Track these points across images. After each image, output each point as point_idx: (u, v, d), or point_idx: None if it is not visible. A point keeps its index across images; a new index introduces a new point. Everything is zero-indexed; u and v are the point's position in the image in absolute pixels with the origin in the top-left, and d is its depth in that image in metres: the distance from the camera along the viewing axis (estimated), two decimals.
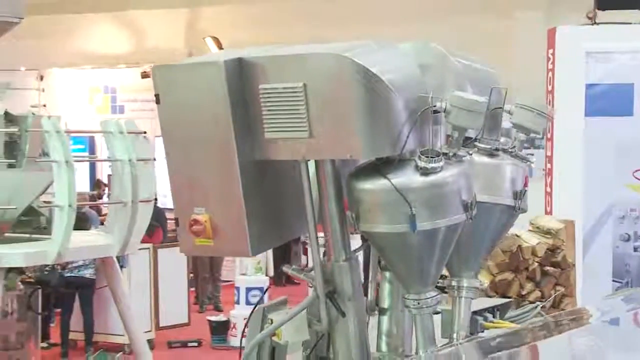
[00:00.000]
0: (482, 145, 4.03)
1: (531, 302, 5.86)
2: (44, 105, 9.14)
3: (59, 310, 12.21)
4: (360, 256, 4.21)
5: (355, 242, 4.15)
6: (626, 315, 4.54)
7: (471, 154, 3.88)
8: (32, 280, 10.62)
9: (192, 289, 14.31)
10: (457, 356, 3.81)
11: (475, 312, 4.56)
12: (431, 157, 3.66)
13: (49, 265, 11.26)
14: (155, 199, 9.47)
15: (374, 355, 4.13)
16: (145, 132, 8.86)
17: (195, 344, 12.46)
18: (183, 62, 4.00)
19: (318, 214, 3.90)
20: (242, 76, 3.75)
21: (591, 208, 7.95)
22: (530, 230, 6.60)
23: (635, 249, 8.31)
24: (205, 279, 14.48)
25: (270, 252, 13.17)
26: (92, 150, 16.92)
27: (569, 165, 7.91)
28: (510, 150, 4.09)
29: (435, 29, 13.99)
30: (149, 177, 8.56)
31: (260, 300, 4.25)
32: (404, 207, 3.63)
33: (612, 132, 8.14)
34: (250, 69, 3.75)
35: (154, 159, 8.68)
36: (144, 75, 15.54)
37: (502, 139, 4.20)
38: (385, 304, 4.19)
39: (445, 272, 4.10)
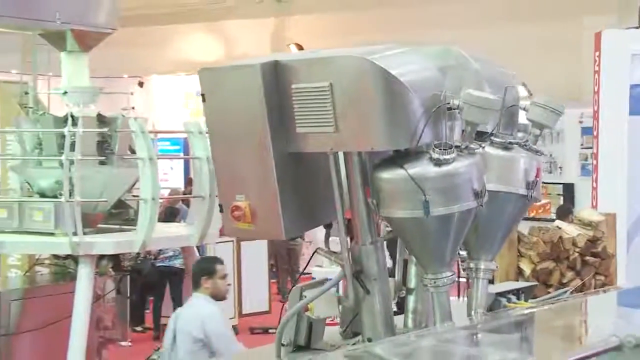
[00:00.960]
0: (497, 140, 4.22)
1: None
2: (133, 108, 9.55)
3: (152, 298, 12.70)
4: None
5: None
6: None
7: (484, 147, 4.07)
8: (127, 268, 11.09)
9: (274, 280, 14.68)
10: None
11: (499, 294, 4.75)
12: (444, 150, 3.87)
13: (142, 255, 11.78)
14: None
15: (401, 330, 4.34)
16: None
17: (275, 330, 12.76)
18: (225, 65, 4.27)
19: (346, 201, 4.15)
20: (276, 77, 4.02)
21: (634, 202, 7.98)
22: (572, 223, 6.73)
23: None
24: (285, 270, 14.86)
25: None
26: (186, 150, 17.45)
27: (613, 162, 7.96)
28: (523, 144, 4.26)
29: (506, 34, 14.04)
30: None
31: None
32: (419, 195, 3.85)
33: None
34: (284, 71, 4.03)
35: None
36: None
37: (520, 134, 4.38)
38: (412, 284, 4.40)
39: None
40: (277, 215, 4.07)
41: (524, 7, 14.82)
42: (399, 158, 3.95)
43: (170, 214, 12.25)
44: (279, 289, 14.95)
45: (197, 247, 9.84)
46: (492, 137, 4.22)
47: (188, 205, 14.13)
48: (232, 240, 12.66)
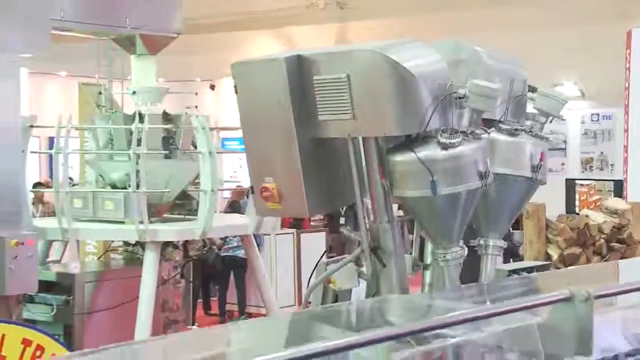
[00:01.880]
0: (505, 126, 4.39)
1: None
2: (196, 107, 9.89)
3: (218, 286, 13.06)
4: None
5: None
6: None
7: (489, 133, 4.24)
8: (193, 257, 11.44)
9: None
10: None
11: (513, 271, 4.91)
12: (451, 134, 4.07)
13: (207, 246, 12.14)
14: None
15: None
16: None
17: None
18: (254, 59, 4.52)
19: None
20: (300, 70, 4.26)
21: None
22: (599, 211, 6.81)
23: None
24: None
25: None
26: None
27: None
28: (529, 130, 4.42)
29: (567, 36, 13.95)
30: None
31: None
32: (427, 176, 4.05)
33: None
34: (306, 64, 4.26)
35: None
36: None
37: (528, 122, 4.55)
38: (428, 260, 4.59)
39: None
40: (302, 195, 4.31)
41: (591, 9, 14.67)
42: (410, 143, 4.16)
43: (233, 207, 12.62)
44: None
45: (256, 239, 10.16)
46: (500, 124, 4.40)
47: None
48: (292, 233, 12.95)
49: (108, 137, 9.19)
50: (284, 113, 4.26)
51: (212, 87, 18.77)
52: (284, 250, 12.64)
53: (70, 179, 10.35)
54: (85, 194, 9.11)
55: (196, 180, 9.23)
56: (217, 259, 12.29)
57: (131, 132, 8.62)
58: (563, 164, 15.87)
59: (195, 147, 8.93)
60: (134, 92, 9.20)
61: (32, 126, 8.89)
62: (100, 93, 9.48)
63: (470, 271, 4.44)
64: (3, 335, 7.12)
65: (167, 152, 8.91)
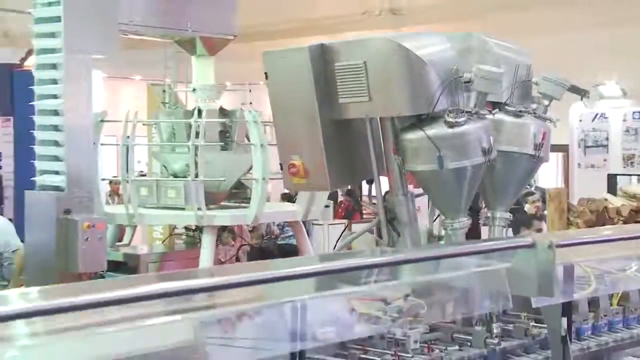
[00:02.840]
0: (510, 108, 4.58)
1: None
2: (250, 103, 10.24)
3: None
4: None
5: None
6: None
7: (493, 114, 4.44)
8: (254, 244, 11.77)
9: None
10: None
11: None
12: (456, 114, 4.27)
13: (267, 235, 12.48)
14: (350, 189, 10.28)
15: None
16: None
17: None
18: (282, 48, 4.78)
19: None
20: (322, 57, 4.52)
21: None
22: (618, 195, 6.91)
23: None
24: None
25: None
26: None
27: None
28: (532, 112, 4.60)
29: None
30: None
31: None
32: (435, 151, 4.27)
33: None
34: (329, 52, 4.52)
35: None
36: None
37: (534, 105, 4.72)
38: (442, 232, 4.80)
39: None
40: (324, 171, 4.57)
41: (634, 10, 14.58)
42: (420, 122, 4.38)
43: (290, 198, 12.92)
44: None
45: (306, 229, 10.45)
46: (505, 106, 4.58)
47: None
48: (344, 223, 13.18)
49: (171, 131, 9.56)
50: (308, 97, 4.52)
51: None
52: (335, 239, 12.87)
53: (142, 172, 10.80)
54: (150, 183, 9.49)
55: (250, 171, 9.53)
56: (274, 246, 12.61)
57: (190, 126, 8.96)
58: (605, 160, 15.83)
59: (249, 139, 9.23)
60: (194, 90, 9.55)
61: (102, 121, 9.30)
62: (164, 91, 9.87)
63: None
64: None
65: (223, 144, 9.23)
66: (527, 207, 9.59)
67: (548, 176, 16.73)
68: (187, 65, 10.28)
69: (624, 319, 4.92)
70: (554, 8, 15.47)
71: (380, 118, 4.52)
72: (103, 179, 9.78)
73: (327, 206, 11.94)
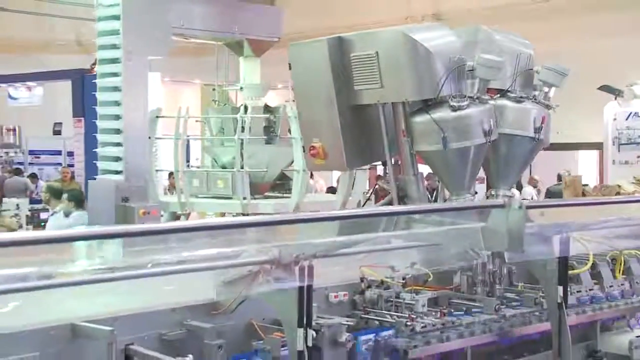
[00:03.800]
0: (512, 95, 4.73)
1: None
2: (294, 100, 10.49)
3: None
4: None
5: None
6: None
7: (494, 99, 4.60)
8: None
9: None
10: None
11: None
12: (459, 99, 4.45)
13: None
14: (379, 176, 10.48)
15: None
16: None
17: None
18: (304, 41, 5.01)
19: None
20: (340, 48, 4.74)
21: None
22: (631, 182, 6.97)
23: None
24: None
25: None
26: None
27: None
28: (532, 98, 4.75)
29: None
30: None
31: None
32: (440, 133, 4.45)
33: None
34: (345, 44, 4.74)
35: None
36: None
37: (536, 92, 4.87)
38: None
39: None
40: (341, 152, 4.79)
41: None
42: (427, 107, 4.57)
43: (332, 190, 13.14)
44: None
45: None
46: (508, 93, 4.74)
47: None
48: None
49: (220, 127, 9.88)
50: (326, 84, 4.74)
51: None
52: None
53: (192, 166, 11.13)
54: (201, 174, 9.82)
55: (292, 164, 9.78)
56: None
57: (237, 122, 9.26)
58: (638, 157, 15.69)
59: (291, 134, 9.48)
60: (241, 88, 9.86)
61: (157, 117, 9.65)
62: (213, 90, 10.19)
63: None
64: None
65: (267, 138, 9.50)
66: None
67: (587, 172, 16.65)
68: (237, 67, 10.60)
69: (624, 291, 5.02)
70: (588, 14, 15.46)
71: (392, 103, 4.71)
72: (158, 170, 10.13)
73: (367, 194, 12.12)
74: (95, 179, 9.38)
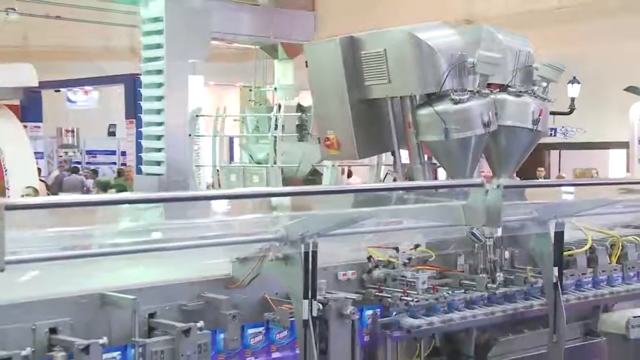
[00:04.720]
0: (512, 89, 4.87)
1: None
2: None
3: None
4: None
5: None
6: None
7: (494, 92, 4.74)
8: None
9: None
10: None
11: None
12: (460, 93, 4.60)
13: None
14: None
15: None
16: None
17: None
18: (319, 40, 5.20)
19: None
20: (351, 47, 4.92)
21: None
22: None
23: None
24: None
25: None
26: None
27: None
28: (531, 92, 4.87)
29: None
30: None
31: None
32: (442, 124, 4.60)
33: None
34: (357, 42, 4.92)
35: None
36: None
37: (535, 87, 4.99)
38: None
39: None
40: (353, 143, 4.97)
41: None
42: (430, 100, 4.73)
43: None
44: None
45: None
46: (508, 88, 4.88)
47: None
48: None
49: (255, 125, 10.12)
50: (339, 80, 4.93)
51: None
52: None
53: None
54: (238, 170, 10.07)
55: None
56: None
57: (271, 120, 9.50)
58: None
59: None
60: (275, 89, 10.09)
61: (197, 116, 9.93)
62: (250, 90, 10.45)
63: None
64: None
65: (299, 135, 9.71)
66: None
67: (616, 171, 16.51)
68: (273, 69, 10.84)
69: (622, 275, 5.10)
70: (615, 18, 15.37)
71: (399, 97, 4.87)
72: (197, 166, 10.41)
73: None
74: (140, 174, 9.68)
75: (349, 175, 10.92)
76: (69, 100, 23.60)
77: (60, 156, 22.95)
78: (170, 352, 3.28)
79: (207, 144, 10.54)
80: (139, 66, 17.57)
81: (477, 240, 4.49)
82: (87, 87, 22.57)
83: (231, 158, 13.01)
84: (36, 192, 8.90)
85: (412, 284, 4.24)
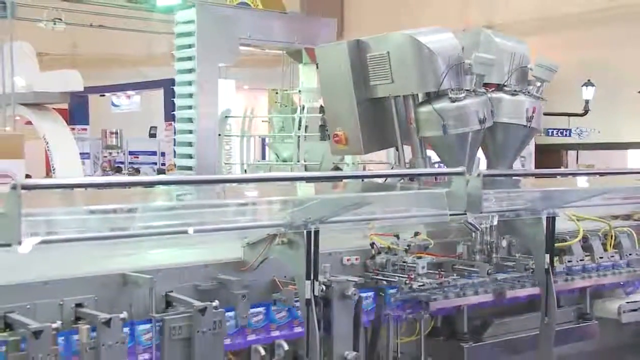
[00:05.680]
0: (507, 89, 4.99)
1: None
2: None
3: None
4: None
5: None
6: None
7: (489, 91, 4.86)
8: None
9: None
10: None
11: None
12: (457, 92, 4.73)
13: None
14: None
15: None
16: None
17: None
18: (328, 43, 5.36)
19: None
20: (358, 50, 5.08)
21: None
22: None
23: None
24: None
25: None
26: None
27: None
28: (525, 91, 4.99)
29: None
30: None
31: None
32: (440, 121, 4.74)
33: None
34: (363, 45, 5.08)
35: None
36: None
37: (530, 87, 5.10)
38: None
39: None
40: (359, 139, 5.12)
41: None
42: (430, 98, 4.87)
43: None
44: None
45: None
46: (504, 87, 4.99)
47: None
48: None
49: (281, 126, 10.32)
50: (347, 81, 5.09)
51: None
52: None
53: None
54: (265, 168, 10.28)
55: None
56: None
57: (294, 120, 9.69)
58: None
59: None
60: (299, 91, 10.28)
61: (227, 117, 10.16)
62: (276, 93, 10.65)
63: None
64: None
65: (321, 135, 9.89)
66: None
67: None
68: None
69: (615, 263, 5.20)
70: (628, 24, 15.35)
71: (402, 96, 5.02)
72: (226, 164, 10.64)
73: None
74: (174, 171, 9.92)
75: None
76: (113, 104, 24.12)
77: (105, 156, 23.40)
78: (187, 328, 3.47)
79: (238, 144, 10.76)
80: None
81: (473, 229, 4.63)
82: (129, 92, 23.06)
83: (263, 157, 13.25)
84: None
85: (413, 269, 4.40)
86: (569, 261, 4.92)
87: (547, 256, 4.52)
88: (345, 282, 3.92)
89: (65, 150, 13.94)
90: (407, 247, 4.45)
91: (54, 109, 15.19)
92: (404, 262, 4.36)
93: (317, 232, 3.63)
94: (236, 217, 3.75)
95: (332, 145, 5.30)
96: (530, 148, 16.85)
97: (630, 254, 5.17)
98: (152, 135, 23.52)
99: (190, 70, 9.58)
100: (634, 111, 15.45)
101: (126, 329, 3.30)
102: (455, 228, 4.71)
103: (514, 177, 5.21)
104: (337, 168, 10.28)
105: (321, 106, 10.19)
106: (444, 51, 4.80)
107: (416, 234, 4.58)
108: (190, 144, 9.54)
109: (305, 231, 3.61)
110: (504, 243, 4.76)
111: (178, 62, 9.71)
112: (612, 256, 5.16)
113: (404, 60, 4.85)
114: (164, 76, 18.23)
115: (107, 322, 3.22)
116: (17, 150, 9.90)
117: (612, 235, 5.19)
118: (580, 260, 4.99)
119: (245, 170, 14.22)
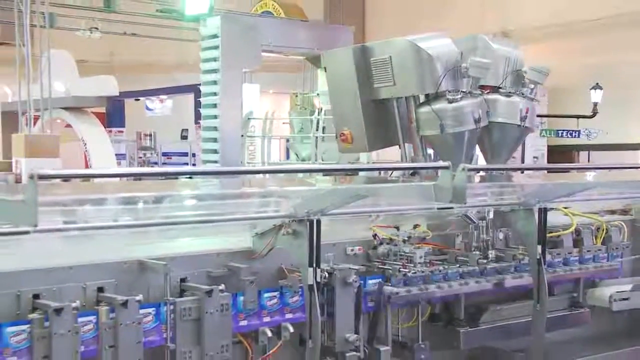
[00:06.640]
0: (502, 90, 5.08)
1: None
2: None
3: None
4: None
5: None
6: None
7: (484, 93, 4.96)
8: None
9: None
10: None
11: None
12: (454, 93, 4.84)
13: None
14: None
15: None
16: None
17: None
18: (335, 48, 5.49)
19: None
20: (362, 54, 5.21)
21: None
22: None
23: None
24: None
25: None
26: None
27: None
28: (519, 93, 5.08)
29: None
30: None
31: None
32: (438, 120, 4.85)
33: None
34: (367, 50, 5.21)
35: None
36: None
37: (524, 89, 5.19)
38: None
39: None
40: (364, 137, 5.25)
41: None
42: (429, 100, 4.98)
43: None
44: None
45: None
46: (499, 89, 5.09)
47: None
48: None
49: (300, 127, 10.47)
50: (352, 83, 5.22)
51: None
52: None
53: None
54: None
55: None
56: None
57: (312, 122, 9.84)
58: None
59: None
60: (318, 94, 10.41)
61: (249, 118, 10.33)
62: (296, 96, 10.80)
63: None
64: None
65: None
66: None
67: None
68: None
69: (605, 255, 5.27)
70: (635, 30, 15.29)
71: (403, 97, 5.14)
72: (249, 162, 10.81)
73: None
74: None
75: None
76: (147, 108, 24.46)
77: (140, 157, 23.73)
78: (196, 310, 3.63)
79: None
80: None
81: (470, 221, 4.74)
82: (162, 96, 23.39)
83: (287, 157, 13.39)
84: None
85: (411, 258, 4.53)
86: (557, 254, 5.00)
87: (539, 247, 4.62)
88: (347, 269, 4.06)
89: (102, 151, 14.24)
90: (406, 239, 4.57)
91: (92, 112, 15.51)
92: (403, 252, 4.48)
93: (318, 222, 3.77)
94: (243, 209, 3.90)
95: (339, 144, 5.44)
96: (543, 149, 16.83)
97: (617, 247, 5.26)
98: (184, 137, 23.80)
99: (214, 79, 9.78)
100: None
101: (151, 310, 3.45)
102: (454, 221, 4.82)
103: (510, 173, 5.31)
104: None
105: None
106: (442, 55, 4.91)
107: (415, 226, 4.70)
108: (214, 145, 9.73)
109: (307, 222, 3.75)
110: (501, 235, 4.86)
111: (203, 70, 9.91)
112: (600, 249, 5.24)
113: (404, 64, 4.97)
114: (194, 81, 18.50)
115: (125, 304, 3.38)
116: (53, 150, 10.17)
117: (603, 229, 5.27)
118: (569, 253, 5.08)
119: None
